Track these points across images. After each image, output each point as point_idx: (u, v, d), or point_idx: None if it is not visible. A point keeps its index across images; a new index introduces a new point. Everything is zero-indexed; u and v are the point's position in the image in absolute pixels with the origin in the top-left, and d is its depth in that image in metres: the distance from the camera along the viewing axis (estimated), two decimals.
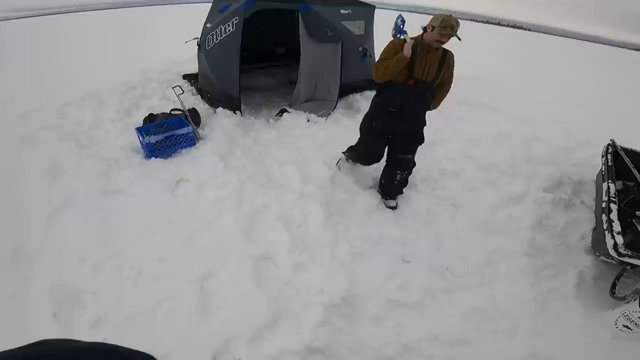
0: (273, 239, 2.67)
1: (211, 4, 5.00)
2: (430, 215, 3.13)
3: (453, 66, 2.68)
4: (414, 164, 3.11)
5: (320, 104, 4.87)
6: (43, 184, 3.09)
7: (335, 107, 4.85)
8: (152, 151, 3.49)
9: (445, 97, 2.84)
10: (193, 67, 5.88)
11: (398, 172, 3.07)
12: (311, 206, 3.00)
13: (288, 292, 2.30)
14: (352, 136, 3.32)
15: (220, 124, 4.18)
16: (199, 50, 5.03)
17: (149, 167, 3.38)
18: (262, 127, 4.38)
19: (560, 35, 31.05)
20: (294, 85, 4.86)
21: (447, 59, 2.61)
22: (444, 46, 2.55)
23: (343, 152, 3.53)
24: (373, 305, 2.30)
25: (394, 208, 3.15)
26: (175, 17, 14.92)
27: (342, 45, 4.68)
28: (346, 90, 5.05)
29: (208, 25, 4.75)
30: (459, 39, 2.40)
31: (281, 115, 4.62)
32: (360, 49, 5.01)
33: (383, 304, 2.32)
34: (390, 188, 3.16)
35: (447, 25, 2.34)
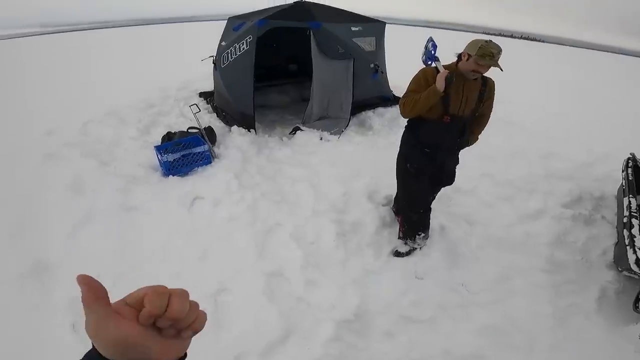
0: (285, 256, 2.70)
1: (226, 21, 5.20)
2: (444, 231, 3.09)
3: (494, 95, 2.33)
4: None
5: (332, 122, 4.93)
6: (65, 199, 3.21)
7: (347, 124, 4.90)
8: (170, 169, 3.59)
9: (484, 129, 2.51)
10: (209, 85, 6.07)
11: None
12: (323, 223, 3.02)
13: (300, 308, 2.31)
14: (364, 154, 3.34)
15: (235, 142, 4.28)
16: (214, 68, 5.20)
17: (166, 185, 3.47)
18: (276, 145, 4.46)
19: (573, 46, 30.66)
20: (306, 103, 4.96)
21: (487, 87, 2.25)
22: None
23: (392, 209, 3.20)
24: (385, 321, 2.28)
25: (402, 254, 2.80)
26: (195, 33, 15.47)
27: (353, 62, 4.75)
28: (358, 107, 5.11)
29: (223, 43, 4.93)
30: (501, 69, 2.02)
31: (294, 133, 4.70)
32: (372, 65, 5.09)
33: (395, 319, 2.29)
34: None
35: (485, 53, 1.97)
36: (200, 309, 0.46)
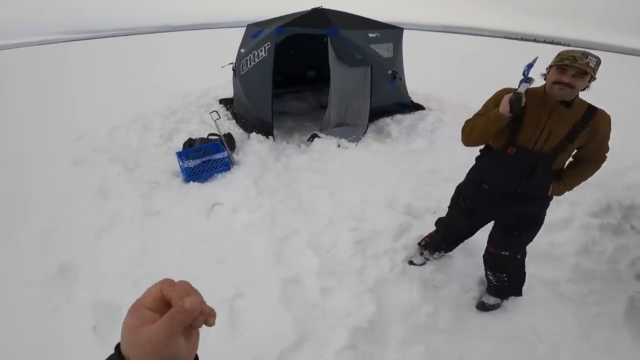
0: (302, 263, 2.71)
1: (245, 28, 5.32)
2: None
3: (606, 135, 1.74)
4: (515, 263, 2.21)
5: (351, 129, 4.94)
6: (92, 204, 3.35)
7: (365, 131, 4.89)
8: (190, 175, 3.68)
9: (584, 180, 1.89)
10: (229, 92, 6.21)
11: (489, 272, 2.31)
12: (341, 231, 3.03)
13: (315, 315, 2.31)
14: (382, 162, 3.31)
15: (253, 149, 4.35)
16: (234, 75, 5.31)
17: (187, 191, 3.57)
18: (294, 152, 4.50)
19: (601, 50, 29.49)
20: (324, 109, 4.99)
21: (592, 122, 1.67)
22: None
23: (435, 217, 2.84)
24: (401, 330, 2.24)
25: (487, 307, 2.40)
26: (212, 41, 15.85)
27: (371, 69, 4.75)
28: (376, 114, 5.10)
29: (242, 50, 5.04)
30: (593, 76, 1.59)
31: (312, 140, 4.73)
32: (390, 71, 5.07)
33: (411, 328, 2.26)
34: (489, 286, 2.41)
35: (565, 57, 1.58)
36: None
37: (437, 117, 5.28)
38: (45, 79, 9.04)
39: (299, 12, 4.89)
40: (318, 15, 4.72)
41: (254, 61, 4.57)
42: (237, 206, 3.34)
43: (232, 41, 6.49)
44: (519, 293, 2.37)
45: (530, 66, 1.71)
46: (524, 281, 2.34)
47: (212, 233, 3.03)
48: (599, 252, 2.86)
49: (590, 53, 1.58)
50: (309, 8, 4.92)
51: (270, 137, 4.65)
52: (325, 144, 4.61)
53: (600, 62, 1.60)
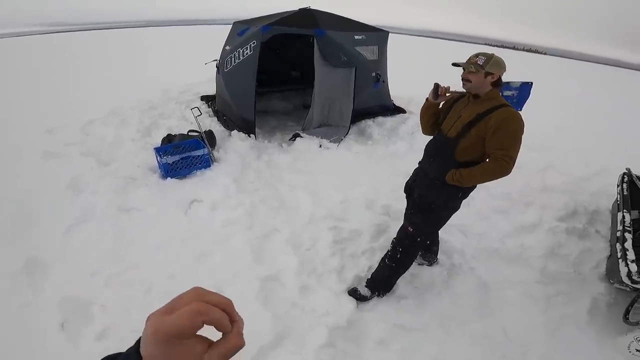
0: (282, 261, 2.71)
1: (231, 26, 5.25)
2: (439, 242, 3.11)
3: (502, 130, 1.83)
4: (414, 244, 2.26)
5: (332, 130, 4.97)
6: (63, 198, 3.23)
7: (347, 133, 4.94)
8: (169, 171, 3.61)
9: (482, 179, 1.97)
10: (211, 89, 6.11)
11: (393, 240, 2.37)
12: (321, 230, 3.04)
13: (294, 313, 2.31)
14: (363, 163, 3.35)
15: (234, 147, 4.31)
16: (217, 72, 5.24)
17: (165, 187, 3.49)
18: (275, 151, 4.48)
19: (576, 59, 30.83)
20: (308, 109, 4.99)
21: (491, 114, 1.85)
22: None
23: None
24: (379, 329, 2.28)
25: (358, 298, 2.45)
26: (197, 37, 15.57)
27: (355, 71, 4.79)
28: (358, 115, 5.15)
29: (227, 47, 4.98)
30: (487, 72, 1.86)
31: (294, 139, 4.73)
32: (374, 74, 5.13)
33: (389, 328, 2.30)
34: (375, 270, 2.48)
35: (467, 58, 1.94)
36: None
37: (418, 121, 5.36)
38: (22, 71, 8.61)
39: (287, 12, 4.88)
40: (305, 15, 4.72)
41: (239, 59, 4.53)
42: (217, 203, 3.30)
43: (217, 38, 6.38)
44: (389, 287, 2.47)
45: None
46: (398, 276, 2.43)
47: (191, 230, 2.98)
48: (565, 255, 2.99)
49: (485, 53, 1.91)
50: (296, 8, 4.91)
51: (252, 136, 4.61)
52: (307, 144, 4.62)
53: (490, 59, 1.87)
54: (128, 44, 13.42)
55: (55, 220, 2.92)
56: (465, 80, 1.92)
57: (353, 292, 2.48)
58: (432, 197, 2.15)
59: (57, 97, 6.13)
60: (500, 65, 1.90)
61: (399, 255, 2.31)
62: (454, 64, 2.00)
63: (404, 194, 2.49)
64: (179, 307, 0.37)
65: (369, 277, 2.51)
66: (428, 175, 2.16)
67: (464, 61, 1.94)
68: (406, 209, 2.44)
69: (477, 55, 1.91)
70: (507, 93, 2.12)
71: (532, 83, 2.03)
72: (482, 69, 1.85)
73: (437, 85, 2.07)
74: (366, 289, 2.47)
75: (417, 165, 2.37)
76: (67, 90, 6.64)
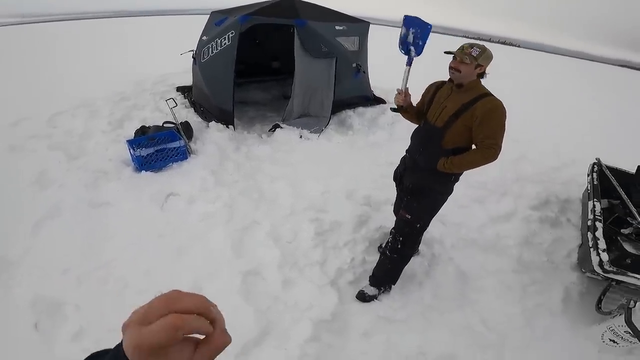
0: (263, 255, 2.66)
1: (208, 15, 5.08)
2: None
3: (488, 119, 1.87)
4: (414, 231, 2.28)
5: (313, 120, 4.92)
6: (30, 193, 3.06)
7: (327, 123, 4.90)
8: (143, 164, 3.46)
9: (472, 165, 2.01)
10: (188, 80, 5.91)
11: (393, 230, 2.36)
12: (302, 222, 3.00)
13: (277, 308, 2.28)
14: (344, 153, 3.33)
15: (212, 138, 4.19)
16: (194, 62, 5.07)
17: (139, 180, 3.35)
18: (255, 142, 4.39)
19: (549, 52, 31.83)
20: (287, 100, 4.91)
21: (476, 104, 1.88)
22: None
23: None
24: (363, 321, 2.29)
25: (368, 299, 2.44)
26: (173, 27, 15.03)
27: (336, 61, 4.74)
28: (339, 106, 5.11)
29: (204, 38, 4.82)
30: (478, 64, 1.85)
31: (274, 130, 4.65)
32: (354, 65, 5.10)
33: (373, 319, 2.31)
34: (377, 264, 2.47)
35: (459, 47, 1.91)
36: None
37: None
38: None
39: (267, 1, 4.76)
40: (286, 5, 4.61)
41: (217, 49, 4.38)
42: (194, 197, 3.20)
43: (193, 28, 6.15)
44: (394, 280, 2.47)
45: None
46: (402, 267, 2.42)
47: (167, 225, 2.88)
48: (539, 244, 3.08)
49: (478, 44, 1.90)
50: None
51: (231, 127, 4.50)
52: (287, 134, 4.55)
53: (484, 52, 1.87)
54: (100, 35, 12.76)
55: (22, 218, 2.76)
56: (455, 69, 1.90)
57: (361, 296, 2.44)
58: (426, 184, 2.18)
59: (22, 89, 5.75)
60: (490, 58, 1.92)
61: (399, 245, 2.30)
62: (447, 52, 1.95)
63: (389, 184, 2.50)
64: (152, 317, 0.36)
65: (371, 274, 2.48)
66: (419, 165, 2.18)
67: (456, 50, 1.91)
68: (397, 197, 2.48)
69: (471, 45, 1.90)
70: (412, 31, 2.11)
71: (431, 26, 2.07)
72: (476, 61, 1.85)
73: (399, 91, 2.19)
74: (372, 288, 2.45)
75: (403, 153, 2.37)
76: (34, 82, 6.24)
